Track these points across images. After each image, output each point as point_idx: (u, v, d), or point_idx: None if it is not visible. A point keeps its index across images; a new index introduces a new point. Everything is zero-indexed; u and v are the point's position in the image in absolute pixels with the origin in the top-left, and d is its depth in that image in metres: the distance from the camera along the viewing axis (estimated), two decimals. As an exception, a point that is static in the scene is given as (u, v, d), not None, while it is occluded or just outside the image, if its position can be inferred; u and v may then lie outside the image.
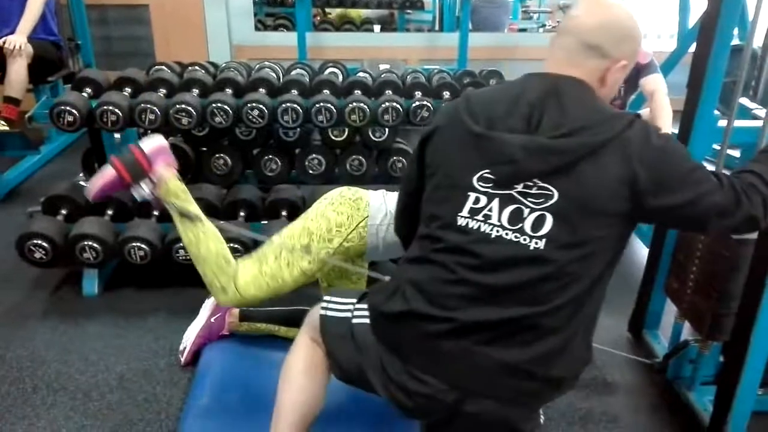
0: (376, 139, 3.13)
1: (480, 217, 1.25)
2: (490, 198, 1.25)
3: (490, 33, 5.80)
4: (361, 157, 3.03)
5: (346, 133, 3.07)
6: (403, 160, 3.10)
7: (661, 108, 3.13)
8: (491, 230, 1.24)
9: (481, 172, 1.27)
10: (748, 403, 1.70)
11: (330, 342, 1.46)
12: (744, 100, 1.79)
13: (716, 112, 1.93)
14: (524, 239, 1.21)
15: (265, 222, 2.74)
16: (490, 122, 1.28)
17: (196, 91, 2.66)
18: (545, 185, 1.21)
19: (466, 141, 1.30)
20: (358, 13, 6.61)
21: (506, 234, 1.22)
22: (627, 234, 1.29)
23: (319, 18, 6.58)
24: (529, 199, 1.22)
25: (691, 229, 1.68)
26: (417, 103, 2.64)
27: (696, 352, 1.97)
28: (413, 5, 6.45)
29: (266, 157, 3.00)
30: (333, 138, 3.09)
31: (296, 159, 3.05)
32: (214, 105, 2.54)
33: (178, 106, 2.51)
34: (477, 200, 1.26)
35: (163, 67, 3.02)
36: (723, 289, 1.76)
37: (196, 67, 3.06)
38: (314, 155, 3.00)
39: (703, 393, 1.99)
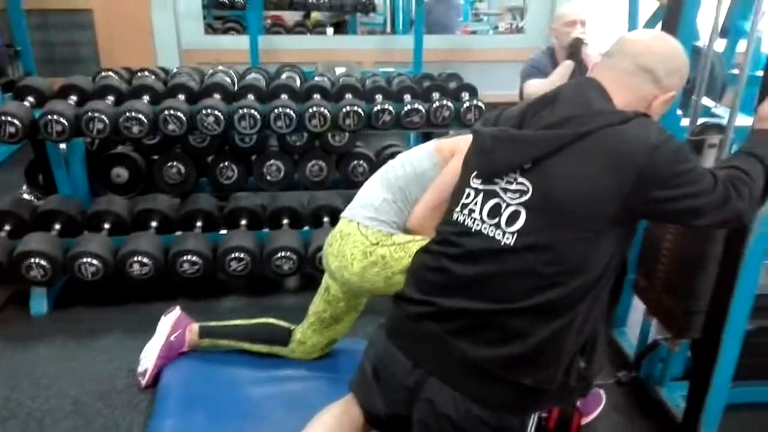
0: (335, 144, 3.07)
1: (466, 211, 1.31)
2: (477, 193, 1.31)
3: (443, 35, 5.80)
4: (321, 162, 2.97)
5: (305, 138, 3.00)
6: (364, 164, 3.06)
7: None
8: (472, 224, 1.28)
9: (475, 171, 1.34)
10: (721, 398, 1.71)
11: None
12: (706, 100, 1.81)
13: (678, 111, 1.95)
14: (498, 233, 1.23)
15: (224, 232, 2.65)
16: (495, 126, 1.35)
17: (146, 98, 2.55)
18: (522, 180, 1.23)
19: (473, 144, 1.38)
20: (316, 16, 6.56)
21: (484, 228, 1.26)
22: (620, 241, 1.25)
23: (270, 21, 6.48)
24: (508, 194, 1.25)
25: (679, 223, 1.66)
26: (378, 107, 2.59)
27: (666, 350, 1.98)
28: (365, 8, 6.41)
29: (222, 165, 2.91)
30: (291, 143, 3.02)
31: (253, 165, 2.97)
32: (166, 112, 2.43)
33: (127, 114, 2.40)
34: (468, 195, 1.33)
35: (111, 73, 2.90)
36: (691, 287, 1.77)
37: (146, 73, 2.95)
38: (272, 161, 2.93)
39: (673, 389, 2.00)
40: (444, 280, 1.29)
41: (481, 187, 1.30)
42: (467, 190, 1.33)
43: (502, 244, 1.22)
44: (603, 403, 1.95)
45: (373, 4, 6.53)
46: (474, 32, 6.94)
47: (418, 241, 1.75)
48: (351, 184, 3.10)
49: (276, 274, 2.49)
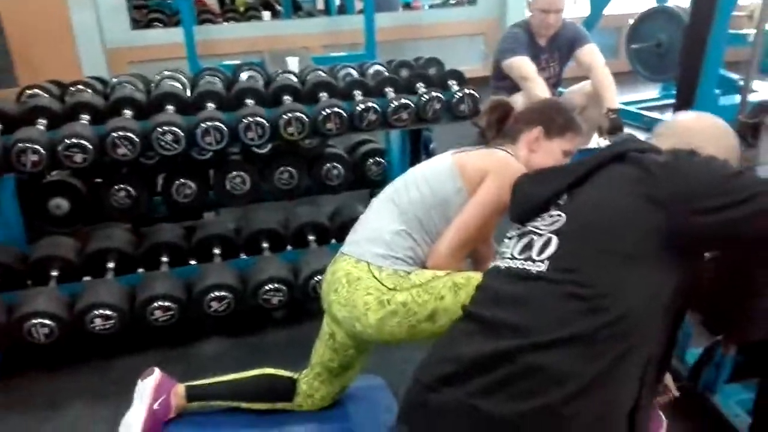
0: (306, 146, 2.74)
1: (498, 257, 1.26)
2: (511, 239, 1.27)
3: (391, 13, 5.48)
4: (291, 169, 2.62)
5: (271, 143, 2.66)
6: (339, 166, 2.75)
7: (603, 82, 2.99)
8: (502, 263, 1.22)
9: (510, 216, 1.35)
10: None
11: None
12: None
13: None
14: (529, 264, 1.15)
15: (194, 263, 2.30)
16: None
17: (86, 118, 2.15)
18: (556, 212, 1.20)
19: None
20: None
21: (514, 263, 1.18)
22: (666, 273, 1.08)
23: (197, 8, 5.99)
24: (542, 227, 1.20)
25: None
26: (361, 105, 2.28)
27: (719, 355, 1.79)
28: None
29: (177, 182, 2.53)
30: (255, 150, 2.67)
31: (214, 179, 2.61)
32: (114, 134, 2.05)
33: (67, 140, 2.00)
34: (505, 245, 1.28)
35: (38, 91, 2.45)
36: (750, 285, 1.56)
37: (81, 86, 2.51)
38: (235, 173, 2.55)
39: (727, 395, 1.82)
40: (471, 329, 1.14)
41: (515, 232, 1.26)
42: (504, 240, 1.29)
43: (534, 272, 1.13)
44: (664, 427, 1.74)
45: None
46: (419, 7, 6.64)
47: (442, 277, 1.49)
48: (325, 189, 2.81)
49: (263, 309, 2.18)
